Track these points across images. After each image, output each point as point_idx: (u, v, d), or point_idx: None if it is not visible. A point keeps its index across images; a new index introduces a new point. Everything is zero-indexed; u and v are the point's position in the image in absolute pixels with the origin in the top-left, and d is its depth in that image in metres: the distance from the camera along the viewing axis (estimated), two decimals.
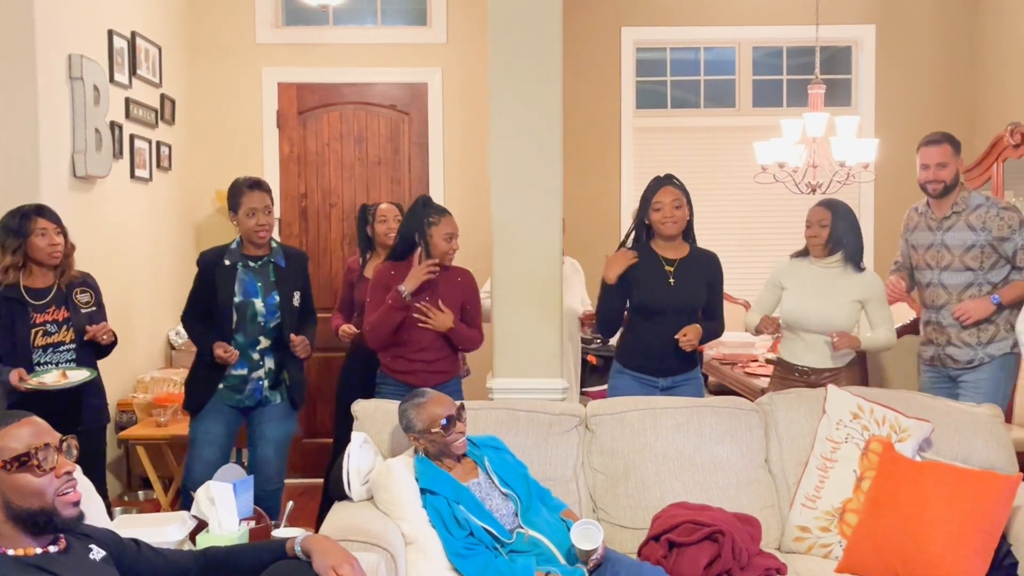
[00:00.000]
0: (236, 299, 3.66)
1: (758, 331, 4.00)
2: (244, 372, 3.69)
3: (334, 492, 3.02)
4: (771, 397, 3.42)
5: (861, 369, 4.45)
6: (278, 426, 3.75)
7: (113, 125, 4.55)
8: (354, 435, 3.06)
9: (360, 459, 2.99)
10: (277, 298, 3.70)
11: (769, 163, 5.29)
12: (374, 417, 3.25)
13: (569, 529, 2.82)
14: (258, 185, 3.70)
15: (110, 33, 4.58)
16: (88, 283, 3.65)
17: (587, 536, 2.71)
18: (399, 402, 3.04)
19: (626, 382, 3.74)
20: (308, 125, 5.81)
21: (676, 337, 3.57)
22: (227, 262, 3.69)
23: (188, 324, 3.83)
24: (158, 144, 5.16)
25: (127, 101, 4.76)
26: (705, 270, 3.71)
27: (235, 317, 3.66)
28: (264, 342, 3.71)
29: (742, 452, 3.26)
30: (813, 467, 3.18)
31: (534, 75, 3.81)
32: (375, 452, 3.07)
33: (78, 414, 3.49)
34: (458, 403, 2.97)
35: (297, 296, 3.77)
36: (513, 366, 3.85)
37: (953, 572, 2.71)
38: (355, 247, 5.72)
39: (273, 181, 5.76)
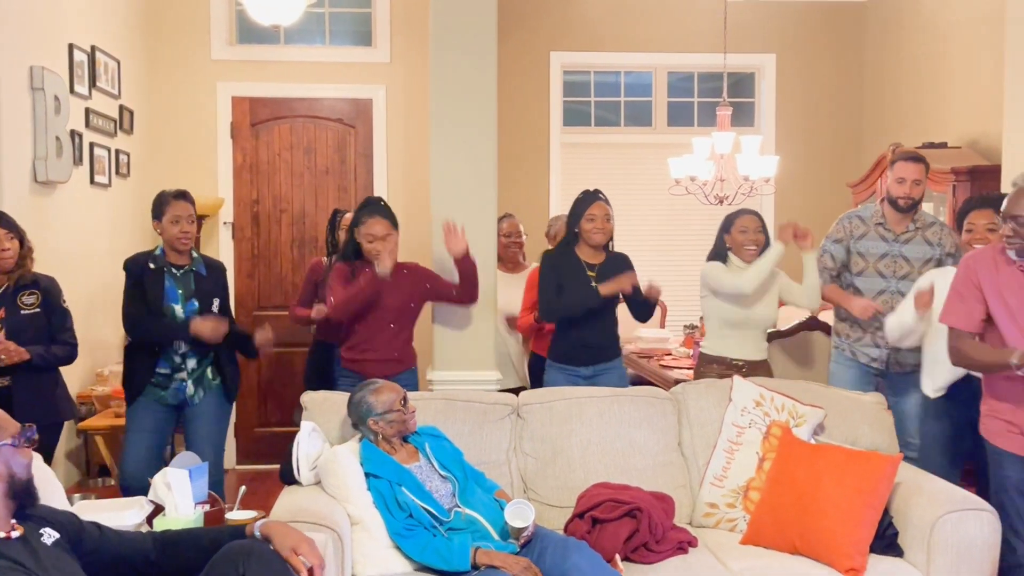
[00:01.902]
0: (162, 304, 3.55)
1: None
2: (167, 371, 3.58)
3: (284, 477, 2.97)
4: (683, 387, 3.46)
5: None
6: (211, 425, 3.64)
7: (73, 134, 4.41)
8: (303, 424, 3.02)
9: (309, 446, 2.95)
10: (196, 305, 3.57)
11: (682, 177, 5.36)
12: (323, 407, 3.20)
13: (503, 508, 2.83)
14: (183, 196, 3.58)
15: (71, 47, 4.44)
16: (40, 286, 3.42)
17: (520, 515, 2.72)
18: (349, 394, 3.01)
19: (554, 375, 3.78)
20: (260, 136, 5.71)
21: (648, 292, 3.75)
22: (152, 267, 3.58)
23: (138, 321, 3.57)
24: (117, 152, 5.02)
25: (87, 111, 4.62)
26: (620, 271, 3.80)
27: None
28: (184, 346, 3.57)
29: (657, 437, 3.29)
30: (720, 450, 3.22)
31: (471, 93, 3.81)
32: (323, 440, 3.04)
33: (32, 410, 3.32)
34: (402, 390, 2.97)
35: (216, 303, 3.65)
36: (451, 360, 3.84)
37: (843, 542, 2.76)
38: (304, 250, 5.69)
39: (227, 188, 5.66)
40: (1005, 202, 2.80)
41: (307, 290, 4.42)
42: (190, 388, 3.60)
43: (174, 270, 3.59)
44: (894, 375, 3.77)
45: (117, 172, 5.02)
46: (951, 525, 2.73)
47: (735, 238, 3.84)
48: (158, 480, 2.63)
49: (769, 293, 3.84)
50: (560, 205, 6.20)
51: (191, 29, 5.61)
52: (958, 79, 5.27)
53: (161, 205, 3.56)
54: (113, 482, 4.42)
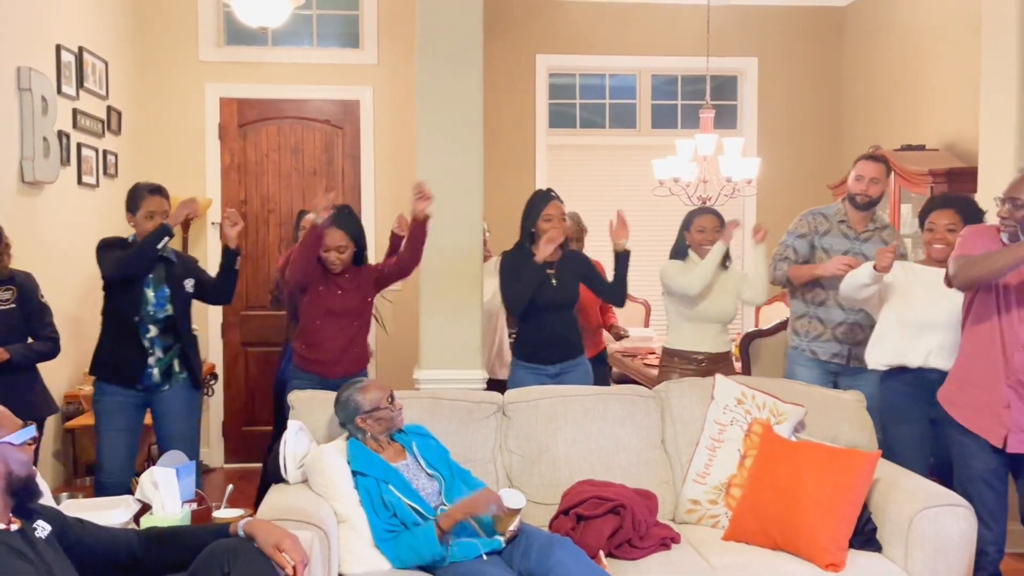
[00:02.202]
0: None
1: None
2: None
3: (271, 476, 2.96)
4: (666, 386, 3.46)
5: (743, 360, 4.59)
6: (182, 422, 3.61)
7: (61, 134, 4.37)
8: (290, 423, 3.01)
9: (296, 445, 2.94)
10: (168, 291, 3.56)
11: (665, 178, 5.38)
12: (310, 406, 3.19)
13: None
14: (158, 191, 3.57)
15: (58, 48, 4.40)
16: (15, 281, 3.40)
17: (513, 498, 2.71)
18: (336, 393, 3.00)
19: (520, 374, 3.78)
20: (248, 137, 5.69)
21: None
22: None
23: (120, 258, 3.48)
24: (104, 153, 4.98)
25: (74, 112, 4.58)
26: (579, 268, 3.86)
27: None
28: (153, 330, 3.54)
29: (641, 434, 3.30)
30: (703, 447, 3.23)
31: (457, 95, 3.80)
32: (310, 438, 3.02)
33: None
34: (389, 388, 2.97)
35: (190, 283, 3.63)
36: (437, 359, 3.84)
37: (822, 538, 2.78)
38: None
39: (215, 188, 5.63)
40: (1009, 185, 2.84)
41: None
42: (156, 375, 3.56)
43: None
44: (852, 371, 3.80)
45: (105, 172, 4.98)
46: (928, 520, 2.75)
47: (693, 236, 3.95)
48: (145, 479, 2.61)
49: (726, 288, 3.91)
50: None
51: (179, 31, 5.58)
52: (935, 83, 5.31)
53: (136, 199, 3.54)
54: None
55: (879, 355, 3.40)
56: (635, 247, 6.15)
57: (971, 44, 4.63)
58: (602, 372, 4.71)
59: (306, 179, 5.73)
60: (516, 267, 3.77)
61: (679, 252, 4.01)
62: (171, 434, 3.58)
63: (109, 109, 5.05)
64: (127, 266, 3.47)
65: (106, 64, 4.99)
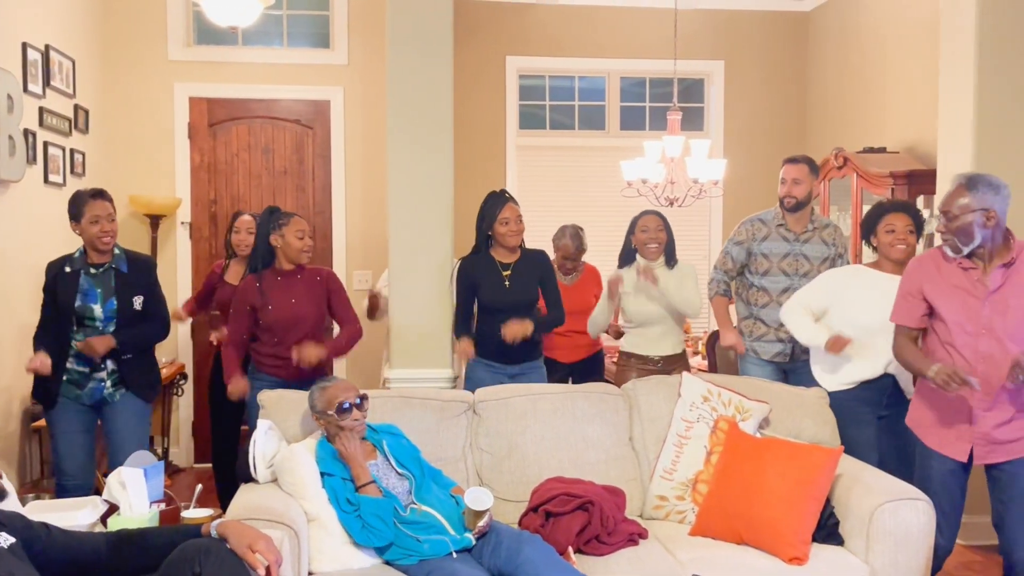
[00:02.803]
0: (76, 304, 3.45)
1: (646, 274, 4.00)
2: (86, 370, 3.48)
3: (241, 475, 2.93)
4: (634, 384, 3.48)
5: (708, 358, 4.65)
6: (131, 427, 3.52)
7: (27, 132, 4.29)
8: (260, 422, 2.98)
9: (265, 444, 2.92)
10: (115, 304, 3.48)
11: (634, 179, 5.40)
12: (279, 406, 3.17)
13: (458, 504, 2.83)
14: (100, 195, 3.50)
15: (24, 46, 4.32)
16: None
17: (479, 500, 2.72)
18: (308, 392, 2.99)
19: (480, 372, 3.76)
20: (218, 136, 5.63)
21: (505, 334, 3.58)
22: (68, 269, 3.49)
23: (42, 335, 3.52)
24: (71, 151, 4.90)
25: (40, 110, 4.50)
26: (536, 269, 3.80)
27: (74, 320, 3.46)
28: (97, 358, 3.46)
29: (609, 432, 3.31)
30: (670, 444, 3.25)
31: (428, 96, 3.79)
32: (279, 438, 3.00)
33: None
34: (361, 392, 2.93)
35: (139, 301, 3.54)
36: (408, 358, 3.82)
37: (786, 532, 2.81)
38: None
39: (184, 188, 5.57)
40: (943, 199, 2.88)
41: (204, 292, 4.43)
42: (108, 387, 3.50)
43: (92, 269, 3.50)
44: (800, 364, 3.84)
45: (72, 171, 4.90)
46: (889, 514, 2.79)
47: (638, 237, 4.06)
48: (112, 480, 2.57)
49: (678, 293, 3.99)
50: None
51: (148, 30, 5.51)
52: (897, 87, 5.39)
53: (79, 206, 3.47)
54: None
55: (842, 376, 3.44)
56: (603, 248, 6.21)
57: (931, 49, 4.71)
58: (599, 372, 4.71)
59: (276, 179, 5.68)
60: (472, 272, 3.75)
61: (628, 257, 4.13)
62: (119, 441, 3.48)
63: (76, 108, 4.97)
64: (38, 347, 3.48)
65: (73, 62, 4.91)
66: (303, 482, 2.77)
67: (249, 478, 2.89)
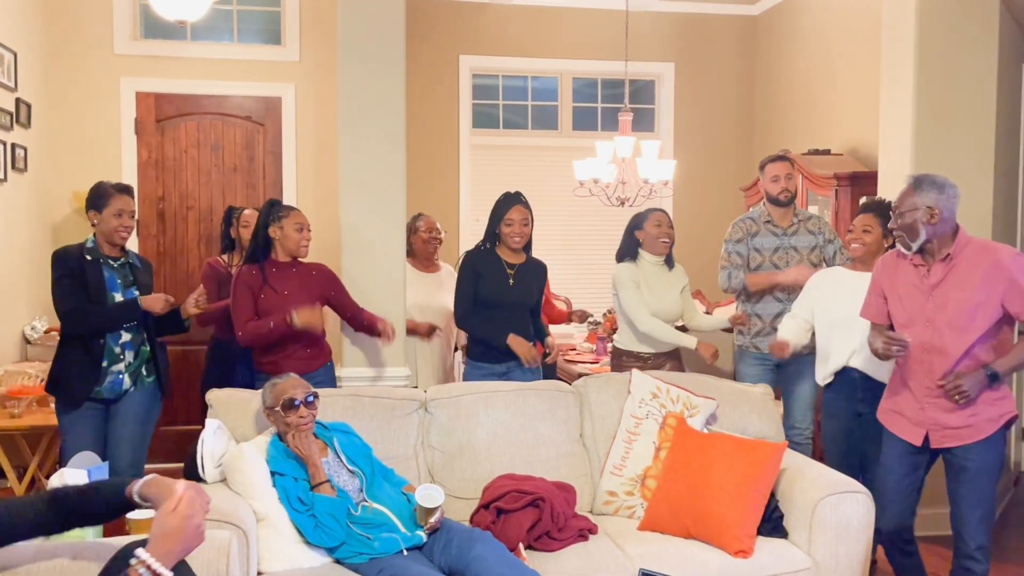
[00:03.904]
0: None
1: (739, 323, 4.08)
2: (105, 364, 3.41)
3: (188, 475, 2.89)
4: (585, 381, 3.50)
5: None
6: (135, 426, 3.46)
7: None
8: (208, 421, 2.94)
9: (214, 444, 2.88)
10: (136, 294, 3.46)
11: (586, 179, 5.44)
12: (228, 405, 3.12)
13: (410, 502, 2.83)
14: (126, 190, 3.46)
15: None
16: None
17: (429, 497, 2.72)
18: (260, 391, 2.95)
19: (471, 372, 3.83)
20: (166, 132, 5.53)
21: (527, 363, 3.71)
22: (89, 258, 3.42)
23: (82, 312, 3.34)
24: (13, 146, 4.76)
25: None
26: (537, 276, 3.90)
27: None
28: (125, 336, 3.44)
29: (560, 428, 3.33)
30: (620, 440, 3.28)
31: (380, 94, 3.77)
32: (228, 437, 2.96)
33: None
34: (312, 391, 2.90)
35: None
36: (360, 356, 3.80)
37: (733, 526, 2.85)
38: (212, 247, 5.51)
39: (131, 184, 5.44)
40: (896, 198, 2.97)
41: (210, 289, 4.26)
42: (127, 381, 3.45)
43: (111, 261, 3.46)
44: (792, 362, 3.94)
45: (13, 166, 4.77)
46: (830, 507, 2.86)
47: (649, 232, 4.03)
48: (55, 481, 2.51)
49: (672, 289, 4.04)
50: (469, 205, 6.21)
51: (93, 22, 5.38)
52: (840, 91, 5.50)
53: (103, 197, 3.40)
54: (9, 484, 4.21)
55: (823, 371, 3.57)
56: (556, 246, 6.25)
57: (873, 56, 4.82)
58: (550, 370, 4.72)
59: (226, 176, 5.60)
60: (478, 266, 3.80)
61: (628, 253, 4.10)
62: (122, 436, 3.43)
63: (18, 101, 4.84)
64: (96, 324, 3.37)
65: (15, 55, 4.78)
66: (252, 481, 2.73)
67: (197, 478, 2.85)
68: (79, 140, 5.37)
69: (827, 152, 5.25)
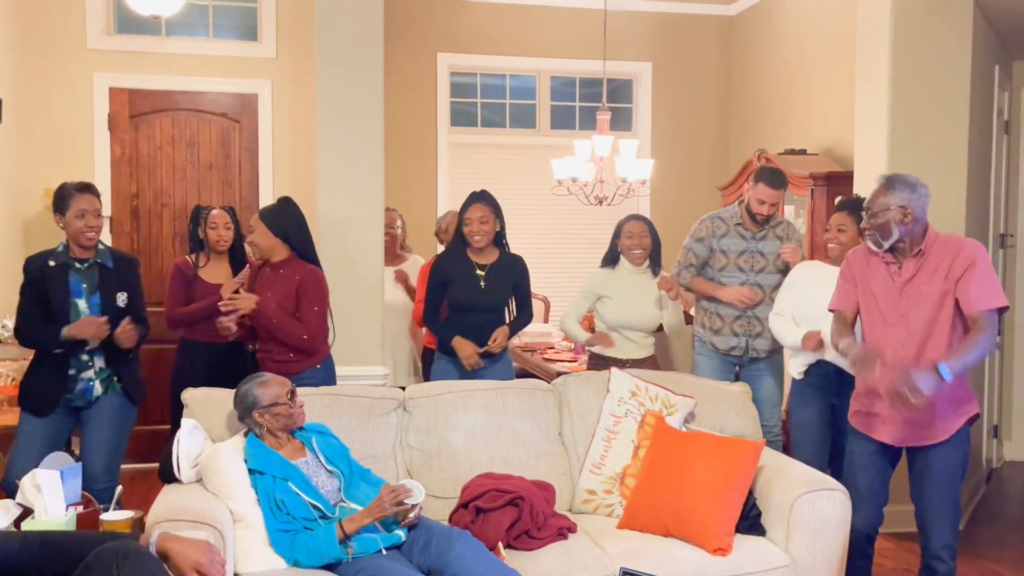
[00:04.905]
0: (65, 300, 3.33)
1: (590, 343, 4.12)
2: (74, 372, 3.36)
3: (164, 475, 2.85)
4: (564, 379, 3.50)
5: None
6: (107, 431, 3.39)
7: None
8: (184, 421, 2.90)
9: (190, 444, 2.84)
10: (100, 299, 3.37)
11: (564, 178, 5.44)
12: (204, 404, 3.09)
13: None
14: (88, 188, 3.37)
15: None
16: None
17: (412, 490, 2.70)
18: (235, 389, 2.91)
19: (444, 367, 3.81)
20: (140, 129, 5.45)
21: (488, 347, 3.69)
22: (52, 263, 3.35)
23: (29, 331, 3.37)
24: None
25: None
26: (513, 273, 3.84)
27: (60, 317, 3.33)
28: (92, 342, 3.36)
29: (539, 427, 3.32)
30: (599, 439, 3.28)
31: (358, 92, 3.75)
32: (204, 437, 2.93)
33: None
34: (291, 384, 2.89)
35: (123, 297, 3.43)
36: (338, 355, 3.77)
37: (711, 523, 2.86)
38: (187, 245, 5.44)
39: (104, 181, 5.37)
40: (868, 197, 2.99)
41: (177, 292, 4.12)
42: (98, 388, 3.39)
43: (77, 264, 3.38)
44: (751, 361, 4.02)
45: None
46: (807, 504, 2.87)
47: (623, 243, 4.06)
48: (26, 482, 2.46)
49: (650, 298, 4.03)
50: (447, 203, 6.19)
51: (66, 17, 5.30)
52: (816, 91, 5.54)
53: (64, 199, 3.32)
54: None
55: (797, 366, 3.60)
56: (534, 244, 6.24)
57: (849, 56, 4.86)
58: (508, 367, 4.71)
59: (201, 173, 5.54)
60: (447, 268, 3.77)
61: (611, 259, 4.13)
62: (95, 441, 3.36)
63: None
64: (31, 344, 3.40)
65: None
66: (228, 481, 2.70)
67: (173, 478, 2.81)
68: (51, 136, 5.29)
69: (803, 152, 5.29)
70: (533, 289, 5.18)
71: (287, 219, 3.49)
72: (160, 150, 5.48)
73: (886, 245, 2.91)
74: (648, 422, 3.24)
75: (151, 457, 4.61)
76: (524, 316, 3.92)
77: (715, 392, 3.49)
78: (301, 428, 2.92)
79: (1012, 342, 5.58)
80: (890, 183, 2.90)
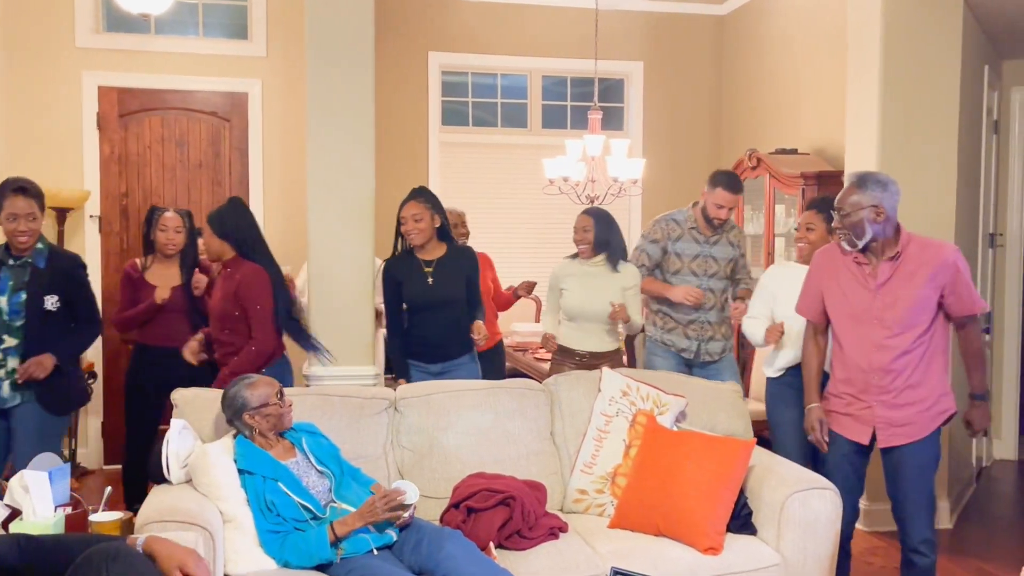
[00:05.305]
0: None
1: (544, 341, 4.15)
2: None
3: (154, 476, 2.84)
4: (555, 379, 3.49)
5: (628, 354, 4.71)
6: (30, 448, 3.18)
7: None
8: (173, 421, 2.89)
9: (179, 444, 2.83)
10: (23, 298, 3.28)
11: (555, 177, 5.44)
12: (193, 404, 3.08)
13: None
14: (23, 190, 3.26)
15: None
16: None
17: (407, 491, 2.70)
18: (223, 390, 2.90)
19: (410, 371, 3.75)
20: (130, 128, 5.43)
21: (476, 343, 3.69)
22: None
23: None
24: None
25: None
26: (462, 266, 3.76)
27: None
28: (8, 341, 3.28)
29: (531, 427, 3.32)
30: (590, 438, 3.28)
31: (349, 91, 3.74)
32: (194, 437, 2.92)
33: None
34: (279, 384, 2.90)
35: (52, 300, 3.33)
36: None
37: (702, 523, 2.87)
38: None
39: (93, 180, 5.36)
40: (838, 196, 3.01)
41: (124, 295, 4.07)
42: (5, 389, 3.30)
43: (11, 261, 3.33)
44: (702, 364, 4.05)
45: None
46: (799, 503, 2.88)
47: (573, 237, 4.07)
48: (14, 483, 2.45)
49: (612, 289, 3.99)
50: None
51: (54, 15, 5.27)
52: (807, 91, 5.56)
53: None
54: None
55: (774, 365, 3.61)
56: (526, 244, 6.25)
57: (840, 56, 4.87)
58: (499, 363, 4.72)
59: (191, 172, 5.52)
60: (398, 270, 3.72)
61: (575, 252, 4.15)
62: (20, 455, 3.22)
63: None
64: None
65: None
66: (218, 482, 2.70)
67: (162, 479, 2.80)
68: (39, 135, 5.26)
69: (794, 151, 5.30)
70: None
71: (229, 220, 3.54)
72: (150, 149, 5.46)
73: (860, 244, 2.92)
74: (639, 421, 3.24)
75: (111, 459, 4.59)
76: (473, 311, 3.80)
77: (706, 391, 3.50)
78: (291, 428, 2.92)
79: (1002, 341, 5.61)
80: (862, 182, 2.91)
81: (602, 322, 4.00)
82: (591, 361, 3.96)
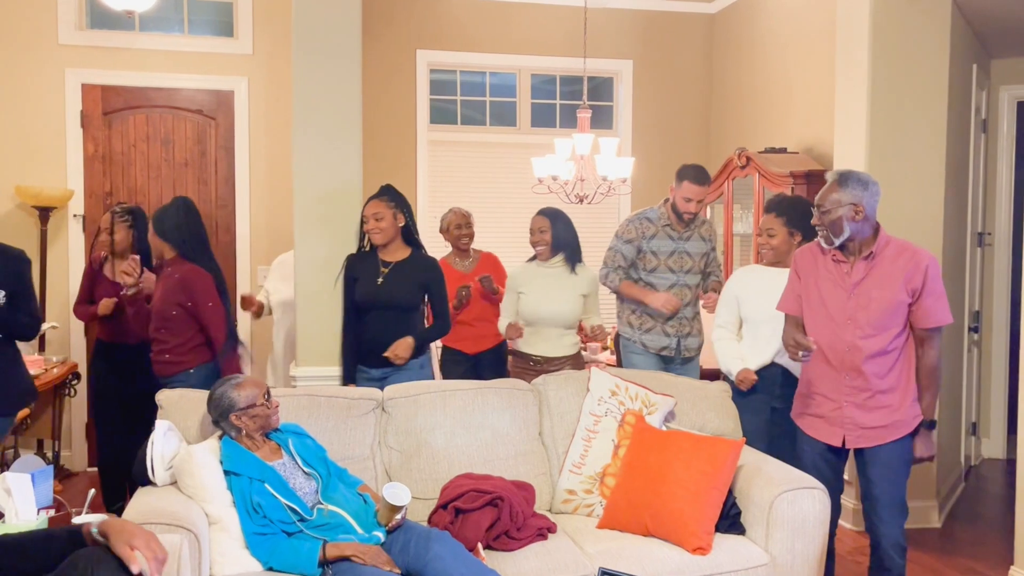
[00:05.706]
0: None
1: (508, 336, 4.12)
2: None
3: (138, 478, 2.82)
4: (544, 379, 3.49)
5: (616, 354, 4.72)
6: None
7: None
8: (158, 423, 2.88)
9: (164, 446, 2.81)
10: None
11: (544, 176, 5.43)
12: (179, 406, 3.06)
13: (367, 503, 2.81)
14: None
15: None
16: None
17: (397, 495, 2.71)
18: (209, 391, 2.89)
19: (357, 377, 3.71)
20: (114, 126, 5.40)
21: (386, 355, 3.54)
22: None
23: None
24: None
25: None
26: (420, 274, 3.66)
27: None
28: None
29: (519, 427, 3.33)
30: (579, 438, 3.28)
31: (335, 89, 3.72)
32: (179, 439, 2.90)
33: None
34: (266, 384, 2.89)
35: (1, 295, 3.31)
36: (315, 355, 3.75)
37: (691, 523, 2.87)
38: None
39: (77, 179, 5.33)
40: (818, 194, 3.01)
41: (85, 283, 4.21)
42: None
43: None
44: (681, 360, 4.07)
45: None
46: (787, 503, 2.89)
47: (530, 240, 4.11)
48: None
49: (570, 293, 4.01)
50: (427, 202, 6.18)
51: (36, 11, 5.24)
52: (796, 90, 5.58)
53: None
54: None
55: (752, 363, 3.58)
56: (514, 245, 6.23)
57: (829, 55, 4.89)
58: (500, 365, 4.69)
59: (177, 171, 5.49)
60: (353, 269, 3.68)
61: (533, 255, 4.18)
62: None
63: None
64: None
65: None
66: (203, 484, 2.68)
67: (147, 481, 2.79)
68: (22, 133, 5.23)
69: (783, 150, 5.32)
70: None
71: (169, 220, 3.64)
72: (134, 147, 5.43)
73: (837, 242, 2.93)
74: (628, 421, 3.25)
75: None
76: (438, 325, 3.71)
77: (695, 391, 3.50)
78: (277, 429, 2.91)
79: (989, 341, 5.65)
80: (843, 180, 2.91)
81: (559, 326, 4.01)
82: (546, 367, 3.96)
